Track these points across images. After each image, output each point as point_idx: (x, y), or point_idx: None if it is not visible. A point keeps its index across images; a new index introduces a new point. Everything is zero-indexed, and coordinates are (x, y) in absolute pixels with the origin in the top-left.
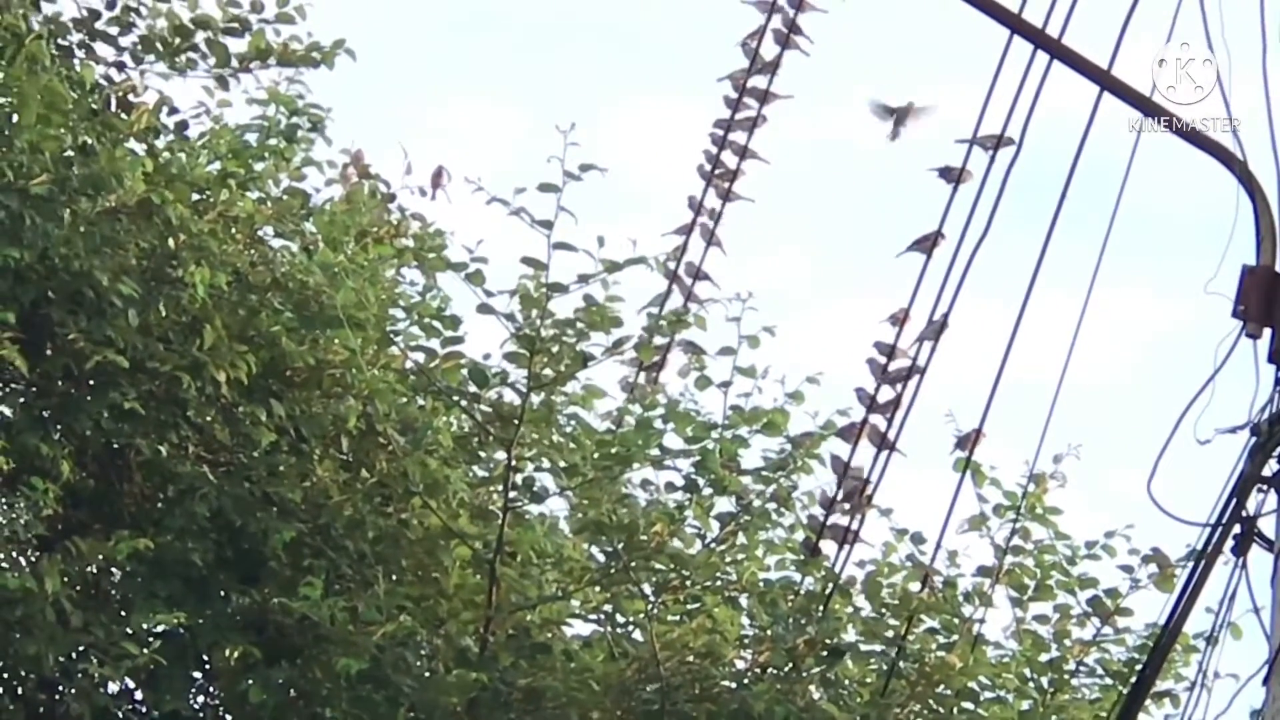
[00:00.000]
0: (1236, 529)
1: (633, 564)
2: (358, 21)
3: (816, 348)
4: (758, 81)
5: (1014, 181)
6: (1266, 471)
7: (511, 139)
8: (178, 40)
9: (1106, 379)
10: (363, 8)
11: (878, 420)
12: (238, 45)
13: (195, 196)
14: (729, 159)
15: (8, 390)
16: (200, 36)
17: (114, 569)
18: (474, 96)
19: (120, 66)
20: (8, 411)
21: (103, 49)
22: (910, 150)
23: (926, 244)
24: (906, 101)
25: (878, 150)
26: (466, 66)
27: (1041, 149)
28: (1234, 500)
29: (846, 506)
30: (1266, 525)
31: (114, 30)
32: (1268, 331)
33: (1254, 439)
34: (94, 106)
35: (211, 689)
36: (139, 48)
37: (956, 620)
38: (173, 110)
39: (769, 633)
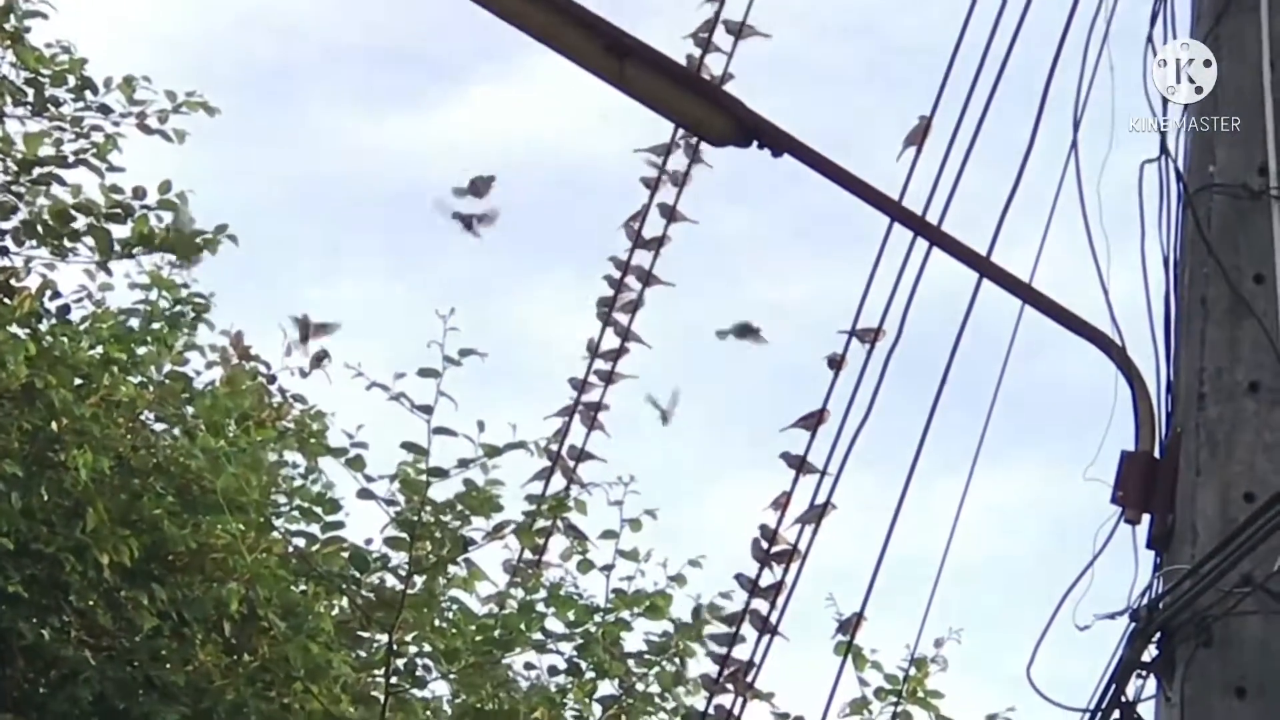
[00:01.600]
0: (1116, 715)
1: None
2: (242, 202)
3: (701, 529)
4: (652, 259)
5: (900, 364)
6: (1146, 657)
7: (401, 317)
8: (60, 225)
9: (992, 559)
10: (245, 190)
11: (759, 604)
12: (120, 231)
13: (78, 381)
14: (611, 340)
15: None
16: (83, 222)
17: None
18: (363, 274)
19: (2, 251)
20: None
21: None
22: (801, 333)
23: (811, 421)
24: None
25: (768, 330)
26: (356, 243)
27: (926, 330)
28: (1113, 686)
29: (728, 688)
30: (1146, 711)
31: None
32: (1147, 517)
33: (1133, 625)
34: None
35: None
36: (21, 232)
37: None
38: (55, 294)
39: None
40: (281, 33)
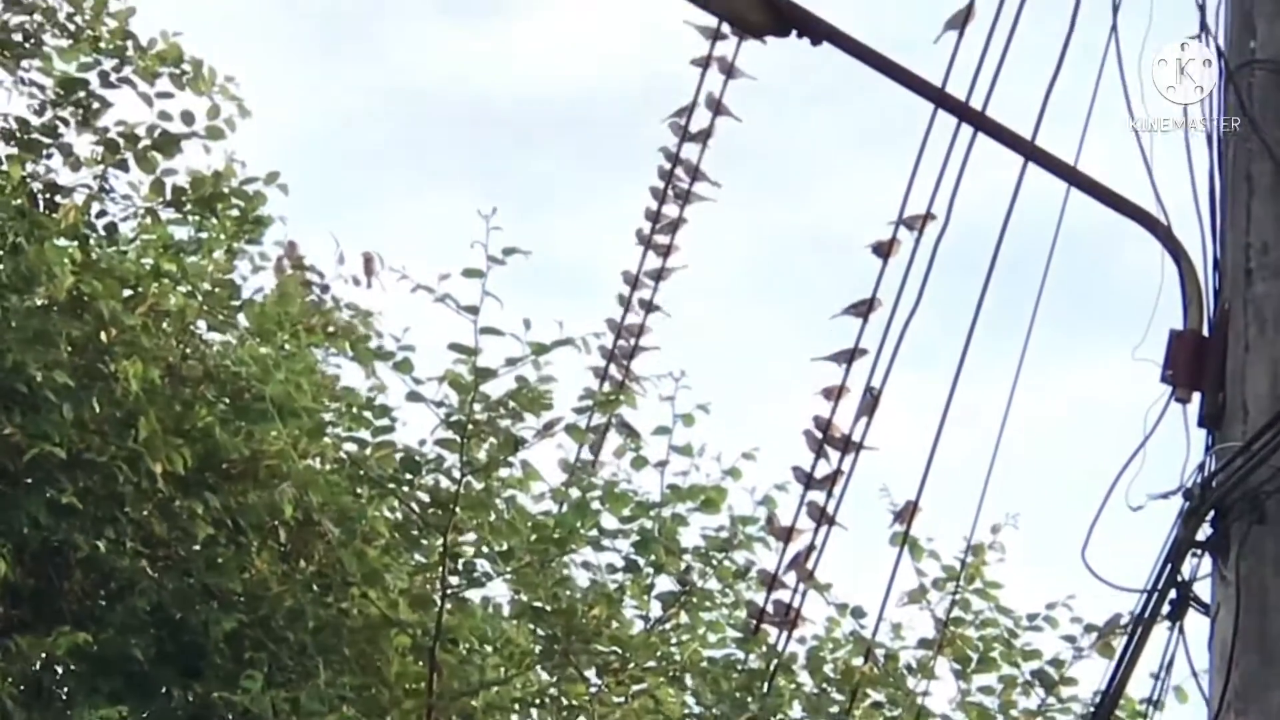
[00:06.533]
0: (1173, 594)
1: (572, 648)
2: (299, 116)
3: (756, 423)
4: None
5: (948, 256)
6: (1200, 536)
7: (456, 228)
8: (110, 154)
9: (1046, 446)
10: (301, 109)
11: (816, 496)
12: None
13: (126, 291)
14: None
15: None
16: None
17: (56, 666)
18: (419, 187)
19: (48, 170)
20: None
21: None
22: (844, 228)
23: (862, 309)
24: None
25: (812, 235)
26: (409, 157)
27: (973, 223)
28: (1169, 565)
29: (790, 577)
30: (1203, 590)
31: (45, 139)
32: (1197, 395)
33: (1187, 503)
34: (20, 205)
35: None
36: (67, 161)
37: (901, 693)
38: (101, 212)
39: (713, 712)
40: None
